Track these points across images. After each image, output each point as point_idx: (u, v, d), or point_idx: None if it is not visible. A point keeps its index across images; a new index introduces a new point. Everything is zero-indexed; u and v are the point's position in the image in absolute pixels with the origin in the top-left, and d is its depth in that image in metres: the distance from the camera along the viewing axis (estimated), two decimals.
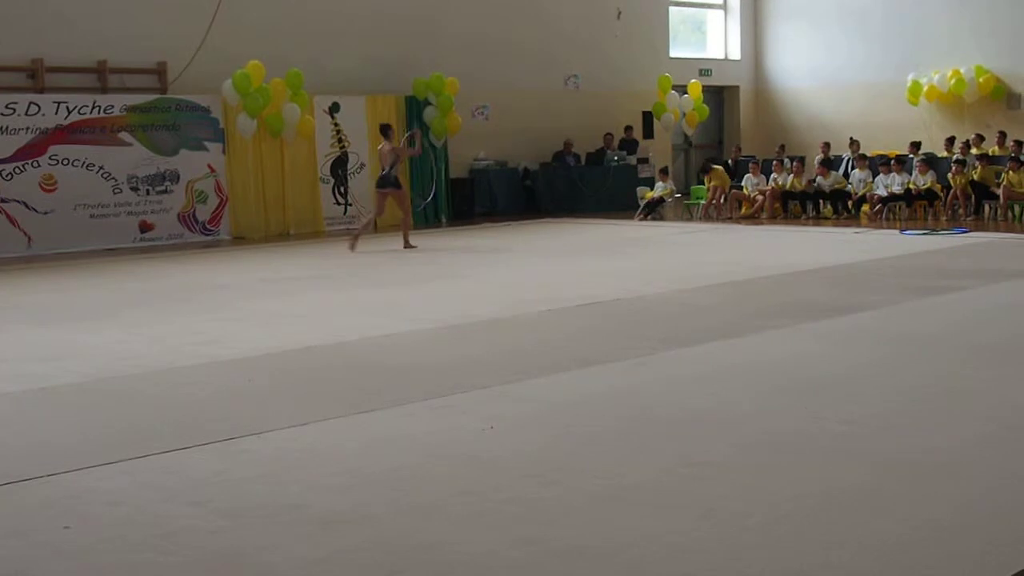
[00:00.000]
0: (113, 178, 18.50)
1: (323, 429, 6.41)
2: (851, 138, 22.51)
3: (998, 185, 18.83)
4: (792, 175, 20.90)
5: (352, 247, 16.53)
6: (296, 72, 19.75)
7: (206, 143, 19.47)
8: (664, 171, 22.51)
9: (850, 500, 4.92)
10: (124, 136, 18.58)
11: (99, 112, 18.31)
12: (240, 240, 19.51)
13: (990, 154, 20.51)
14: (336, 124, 20.87)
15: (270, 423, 6.52)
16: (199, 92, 19.37)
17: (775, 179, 21.02)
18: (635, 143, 24.81)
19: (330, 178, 20.95)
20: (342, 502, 5.10)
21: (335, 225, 20.83)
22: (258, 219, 20.08)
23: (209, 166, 19.53)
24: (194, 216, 19.44)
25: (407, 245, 16.84)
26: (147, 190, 18.87)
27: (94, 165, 18.30)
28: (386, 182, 16.76)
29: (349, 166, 21.11)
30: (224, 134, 19.61)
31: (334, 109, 20.84)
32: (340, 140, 20.96)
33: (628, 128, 24.85)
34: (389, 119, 21.33)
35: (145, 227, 18.85)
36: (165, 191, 19.06)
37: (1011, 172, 18.62)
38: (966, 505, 4.81)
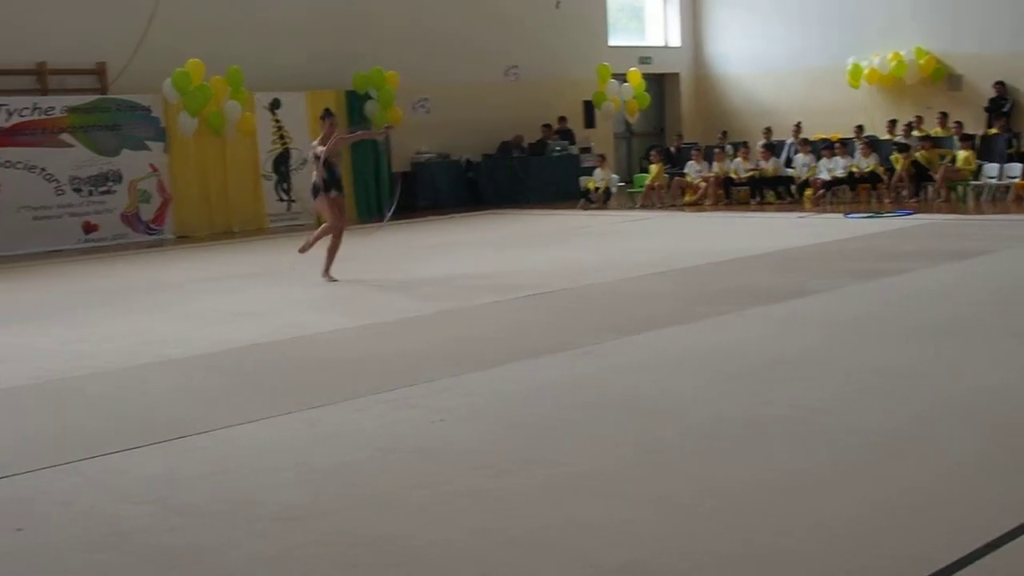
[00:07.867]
0: (55, 180, 18.31)
1: (274, 425, 6.42)
2: (798, 123, 22.55)
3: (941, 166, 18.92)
4: (740, 159, 20.98)
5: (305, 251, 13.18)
6: (236, 69, 19.64)
7: (147, 142, 19.32)
8: (602, 158, 22.63)
9: (800, 484, 4.99)
10: (65, 137, 18.41)
11: (40, 114, 18.14)
12: (184, 239, 19.37)
13: (932, 135, 20.61)
14: (277, 120, 20.78)
15: (221, 420, 6.52)
16: (139, 91, 19.20)
17: (717, 166, 21.09)
18: (570, 132, 24.76)
19: (273, 175, 20.84)
20: (295, 497, 5.13)
21: (278, 222, 20.73)
22: (202, 217, 19.95)
23: (151, 165, 19.38)
24: (138, 216, 19.29)
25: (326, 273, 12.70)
26: (90, 191, 18.70)
27: (36, 167, 18.11)
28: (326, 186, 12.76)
29: (291, 162, 21.01)
30: (165, 133, 19.46)
31: (275, 106, 20.73)
32: (282, 136, 20.87)
33: (562, 119, 24.72)
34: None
35: (89, 228, 18.68)
36: (108, 191, 18.90)
37: (960, 151, 18.81)
38: (915, 487, 4.89)
